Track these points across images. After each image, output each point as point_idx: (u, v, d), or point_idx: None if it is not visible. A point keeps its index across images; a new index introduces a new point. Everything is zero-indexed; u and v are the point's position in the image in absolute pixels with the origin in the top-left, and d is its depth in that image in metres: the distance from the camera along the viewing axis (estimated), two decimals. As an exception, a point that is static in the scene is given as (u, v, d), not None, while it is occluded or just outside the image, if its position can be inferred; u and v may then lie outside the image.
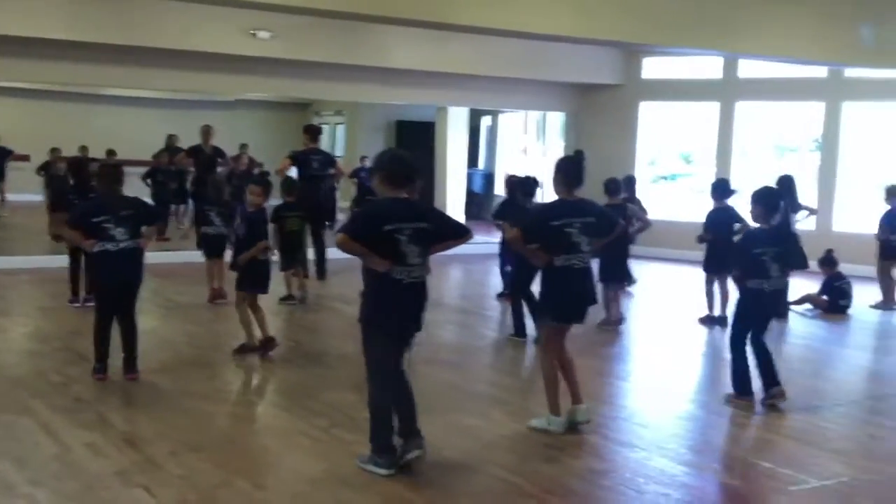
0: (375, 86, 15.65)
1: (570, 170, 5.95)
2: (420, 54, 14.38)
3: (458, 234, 5.32)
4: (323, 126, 23.69)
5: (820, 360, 8.84)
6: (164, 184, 15.76)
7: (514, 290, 9.01)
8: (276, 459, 5.41)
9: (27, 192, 18.43)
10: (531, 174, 9.52)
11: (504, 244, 10.08)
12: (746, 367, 6.66)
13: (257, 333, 7.75)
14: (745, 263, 6.65)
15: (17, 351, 8.17)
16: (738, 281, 6.89)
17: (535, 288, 6.48)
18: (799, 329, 10.16)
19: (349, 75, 14.93)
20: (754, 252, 6.57)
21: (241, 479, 4.94)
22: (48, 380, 6.88)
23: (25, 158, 18.51)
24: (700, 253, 10.04)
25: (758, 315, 6.71)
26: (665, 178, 18.84)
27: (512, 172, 10.71)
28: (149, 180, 15.79)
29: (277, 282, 9.05)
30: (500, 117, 21.54)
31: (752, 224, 6.95)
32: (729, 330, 6.99)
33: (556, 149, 18.88)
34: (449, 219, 5.52)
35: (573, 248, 5.73)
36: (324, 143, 23.59)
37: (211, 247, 10.19)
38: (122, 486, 4.77)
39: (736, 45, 11.56)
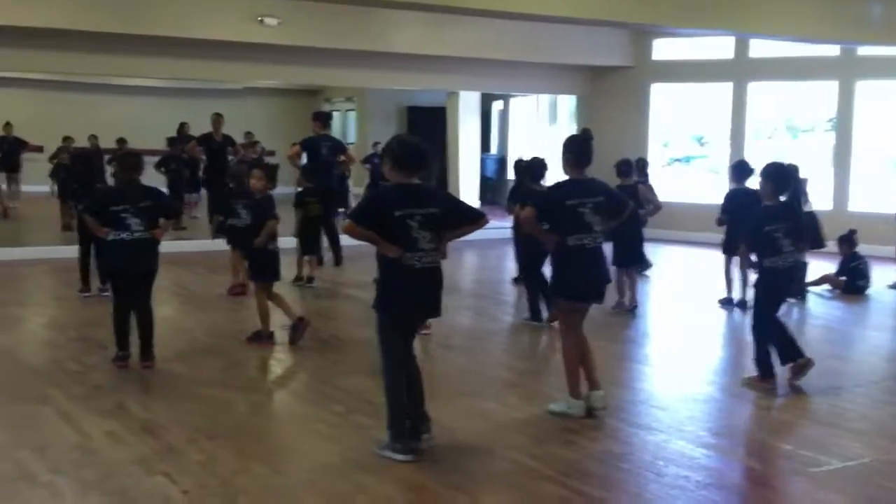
0: (385, 71, 15.61)
1: (577, 148, 5.90)
2: (429, 39, 14.33)
3: (473, 219, 5.29)
4: (334, 112, 23.74)
5: (839, 342, 8.79)
6: (178, 172, 15.78)
7: (528, 274, 8.99)
8: (293, 445, 5.42)
9: (41, 183, 18.49)
10: (538, 157, 9.46)
11: (516, 228, 10.04)
12: (769, 349, 6.62)
13: (286, 319, 7.75)
14: (758, 241, 6.60)
15: (35, 340, 8.21)
16: (743, 256, 6.85)
17: (547, 270, 6.47)
18: (817, 310, 10.11)
19: (358, 61, 14.88)
20: (766, 229, 6.51)
21: (260, 464, 4.95)
22: (66, 368, 6.92)
23: (39, 149, 18.55)
24: (717, 235, 9.98)
25: (776, 293, 6.67)
26: (679, 160, 18.76)
27: (520, 157, 10.64)
28: (163, 168, 15.81)
29: (288, 265, 9.04)
30: (512, 101, 21.46)
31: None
32: (752, 312, 6.90)
33: (568, 132, 18.80)
34: (462, 204, 5.49)
35: (586, 227, 5.69)
36: (335, 130, 23.69)
37: (238, 239, 10.12)
38: (143, 474, 4.78)
39: (747, 25, 11.48)
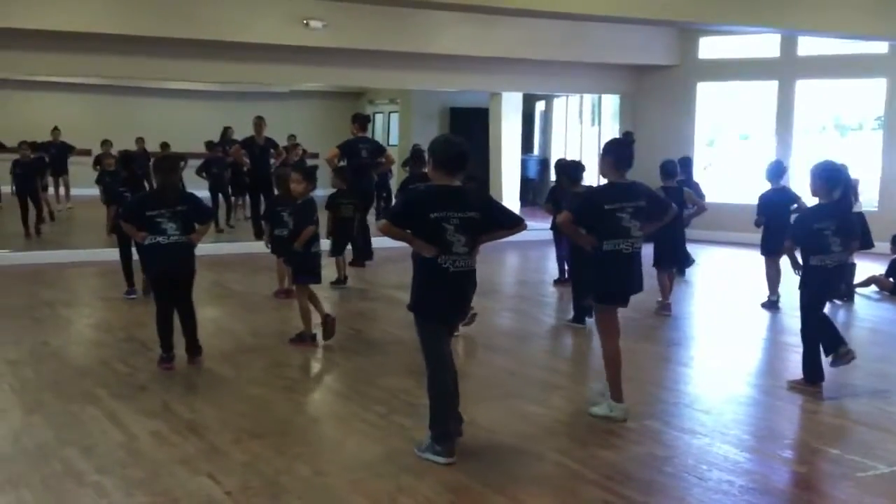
0: (428, 73, 15.65)
1: (619, 152, 5.84)
2: (472, 40, 14.34)
3: (511, 224, 5.26)
4: (377, 114, 23.85)
5: (886, 344, 8.64)
6: (219, 176, 15.94)
7: (573, 275, 8.97)
8: (335, 446, 5.45)
9: (89, 186, 18.78)
10: (577, 159, 9.45)
11: (555, 229, 10.02)
12: (818, 352, 6.52)
13: (317, 321, 7.83)
14: (805, 239, 6.51)
15: (83, 341, 8.34)
16: (789, 253, 6.76)
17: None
18: (864, 312, 9.95)
19: (401, 63, 14.94)
20: (815, 227, 6.42)
21: (303, 465, 4.98)
22: (113, 369, 7.02)
23: (86, 153, 18.85)
24: (758, 236, 9.86)
25: (822, 292, 6.57)
26: (723, 159, 18.55)
27: (562, 158, 10.64)
28: (204, 173, 15.98)
29: (327, 268, 9.10)
30: (555, 101, 21.38)
31: (812, 201, 6.79)
32: (800, 314, 6.79)
33: (612, 133, 18.70)
34: (502, 208, 5.43)
35: (623, 232, 5.64)
36: (377, 132, 23.80)
37: (283, 248, 10.16)
38: (188, 474, 4.84)
39: (794, 22, 11.34)
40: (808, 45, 15.37)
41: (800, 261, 6.64)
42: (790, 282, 7.78)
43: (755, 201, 9.69)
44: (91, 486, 4.66)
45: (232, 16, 12.90)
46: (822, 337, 6.55)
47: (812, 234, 6.44)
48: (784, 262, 8.15)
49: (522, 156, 20.13)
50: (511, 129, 19.04)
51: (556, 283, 11.03)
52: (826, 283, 6.55)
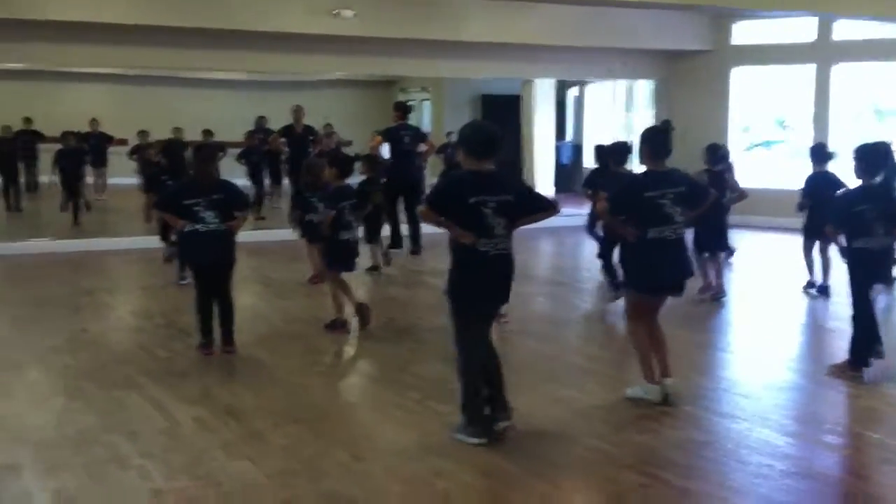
0: (459, 61, 15.60)
1: (656, 139, 5.81)
2: (503, 27, 14.28)
3: (545, 207, 5.29)
4: (409, 102, 23.84)
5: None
6: (258, 164, 16.04)
7: (603, 260, 8.96)
8: (372, 431, 5.48)
9: (126, 175, 18.97)
10: (622, 140, 9.35)
11: (593, 214, 9.96)
12: (865, 337, 6.40)
13: (349, 310, 7.86)
14: (847, 222, 6.39)
15: (124, 328, 8.44)
16: (832, 236, 6.66)
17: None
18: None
19: (433, 51, 14.91)
20: (855, 210, 6.28)
21: (340, 450, 5.02)
22: (154, 355, 7.11)
23: (124, 143, 19.04)
24: (798, 220, 9.75)
25: (868, 274, 6.44)
26: (759, 144, 18.37)
27: (600, 142, 10.53)
28: (243, 160, 16.09)
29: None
30: (588, 88, 21.26)
31: (855, 183, 6.68)
32: (848, 299, 6.64)
33: (645, 118, 18.56)
34: (535, 192, 5.49)
35: (666, 219, 5.60)
36: (410, 120, 23.80)
37: (315, 233, 10.24)
38: (228, 458, 4.89)
39: (830, 5, 11.19)
40: (845, 29, 15.14)
41: (844, 244, 6.54)
42: (839, 267, 7.68)
43: (793, 186, 9.56)
44: (134, 470, 4.74)
45: (264, 6, 12.95)
46: (861, 335, 6.44)
47: (851, 216, 6.32)
48: (833, 248, 8.05)
49: (556, 142, 20.05)
50: (544, 115, 18.95)
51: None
52: (870, 265, 6.38)
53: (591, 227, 10.21)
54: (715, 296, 9.27)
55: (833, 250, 7.99)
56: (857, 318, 6.42)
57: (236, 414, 5.63)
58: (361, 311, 7.82)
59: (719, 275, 9.42)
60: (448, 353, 5.47)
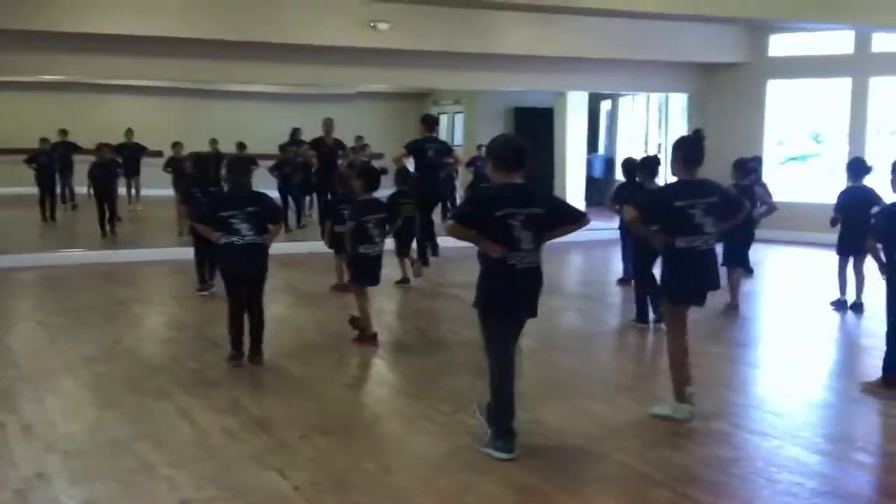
0: (493, 73, 15.62)
1: (688, 148, 5.77)
2: (537, 39, 14.28)
3: (575, 219, 5.28)
4: (442, 115, 23.87)
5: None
6: (290, 176, 16.15)
7: (637, 275, 8.88)
8: (401, 443, 5.49)
9: (160, 186, 19.17)
10: (652, 154, 9.29)
11: (623, 228, 9.92)
12: None
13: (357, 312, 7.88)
14: (889, 234, 6.32)
15: (155, 339, 8.52)
16: (872, 251, 6.58)
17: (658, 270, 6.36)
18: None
19: (467, 63, 14.95)
20: None
21: (369, 462, 5.03)
22: (184, 366, 7.16)
23: (158, 154, 19.25)
24: (833, 235, 9.65)
25: None
26: (794, 158, 18.20)
27: (629, 156, 10.49)
28: (276, 172, 16.20)
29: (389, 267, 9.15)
30: (621, 100, 21.20)
31: (893, 198, 6.60)
32: (886, 311, 6.51)
33: (679, 131, 18.46)
34: (565, 204, 5.48)
35: (696, 229, 5.57)
36: (443, 133, 23.84)
37: (341, 244, 10.28)
38: (257, 469, 4.91)
39: (869, 18, 11.07)
40: (884, 41, 14.97)
41: (884, 260, 6.46)
42: (873, 284, 7.57)
43: (827, 200, 9.47)
44: (163, 480, 4.77)
45: (300, 19, 13.06)
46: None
47: (894, 229, 6.27)
48: (868, 264, 7.93)
49: (588, 155, 19.99)
50: (576, 128, 18.90)
51: (620, 282, 10.94)
52: None
53: (624, 249, 10.20)
54: (731, 307, 9.17)
55: (868, 266, 7.87)
56: (891, 334, 6.33)
57: (265, 425, 5.66)
58: (354, 323, 7.82)
59: (736, 288, 9.33)
60: (478, 366, 5.47)
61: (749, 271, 11.02)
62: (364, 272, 7.84)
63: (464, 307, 7.47)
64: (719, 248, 6.50)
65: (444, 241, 11.41)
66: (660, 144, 19.21)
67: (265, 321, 7.19)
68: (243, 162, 7.31)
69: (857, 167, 9.42)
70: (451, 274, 11.49)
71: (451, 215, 5.28)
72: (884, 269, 6.48)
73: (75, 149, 19.25)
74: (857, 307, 9.32)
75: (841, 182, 9.53)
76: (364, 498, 4.57)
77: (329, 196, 13.46)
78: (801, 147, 18.46)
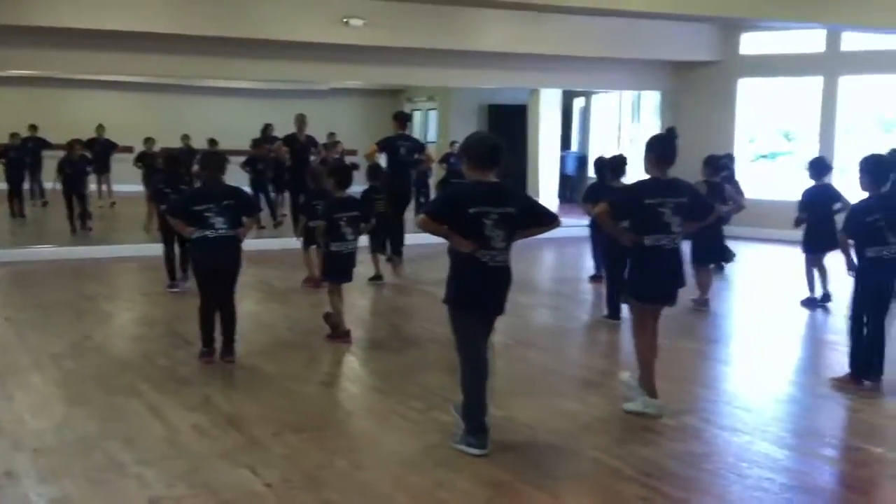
0: (467, 70, 15.65)
1: (660, 147, 5.80)
2: (511, 36, 14.31)
3: (546, 221, 5.29)
4: (415, 112, 23.85)
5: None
6: (262, 172, 16.07)
7: (608, 272, 8.91)
8: (374, 441, 5.47)
9: (130, 182, 19.02)
10: (619, 153, 9.35)
11: (594, 226, 9.96)
12: (864, 346, 6.41)
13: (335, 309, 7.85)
14: (860, 232, 6.41)
15: (125, 335, 8.45)
16: (843, 246, 6.68)
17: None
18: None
19: (440, 60, 14.95)
20: (868, 220, 6.32)
21: (342, 459, 5.01)
22: (155, 363, 7.10)
23: (128, 150, 19.11)
24: (800, 233, 9.73)
25: (879, 286, 6.42)
26: (765, 156, 18.35)
27: (601, 155, 10.55)
28: (248, 168, 16.12)
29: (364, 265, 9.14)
30: (594, 98, 21.29)
31: (857, 199, 6.69)
32: (848, 308, 6.67)
33: (652, 129, 18.56)
34: (537, 205, 5.48)
35: (664, 227, 5.60)
36: (416, 129, 23.83)
37: (312, 239, 10.27)
38: (228, 467, 4.88)
39: (839, 17, 11.19)
40: (854, 41, 15.13)
41: (854, 257, 6.54)
42: (839, 280, 7.65)
43: (798, 198, 9.57)
44: (133, 478, 4.73)
45: (273, 15, 13.00)
46: (861, 348, 6.44)
47: (865, 226, 6.36)
48: (830, 259, 8.02)
49: (561, 152, 20.05)
50: (550, 125, 18.96)
51: (592, 279, 10.99)
52: (883, 274, 6.40)
53: (594, 247, 10.24)
54: (700, 303, 9.24)
55: (831, 261, 7.95)
56: (853, 332, 6.43)
57: (237, 422, 5.63)
58: (328, 319, 7.81)
59: (707, 286, 9.40)
60: (451, 363, 5.47)
61: (731, 255, 11.09)
62: (336, 269, 7.82)
63: (437, 304, 7.46)
64: (687, 247, 6.54)
65: (418, 238, 11.43)
66: (632, 140, 19.31)
67: (237, 318, 7.15)
68: (218, 157, 7.26)
69: (819, 166, 9.56)
70: (423, 271, 11.48)
71: (424, 210, 5.28)
72: (852, 266, 6.57)
73: (45, 144, 19.02)
74: (826, 297, 9.45)
75: (805, 180, 9.63)
76: (336, 495, 4.55)
77: (301, 194, 13.42)
78: (772, 145, 18.63)
